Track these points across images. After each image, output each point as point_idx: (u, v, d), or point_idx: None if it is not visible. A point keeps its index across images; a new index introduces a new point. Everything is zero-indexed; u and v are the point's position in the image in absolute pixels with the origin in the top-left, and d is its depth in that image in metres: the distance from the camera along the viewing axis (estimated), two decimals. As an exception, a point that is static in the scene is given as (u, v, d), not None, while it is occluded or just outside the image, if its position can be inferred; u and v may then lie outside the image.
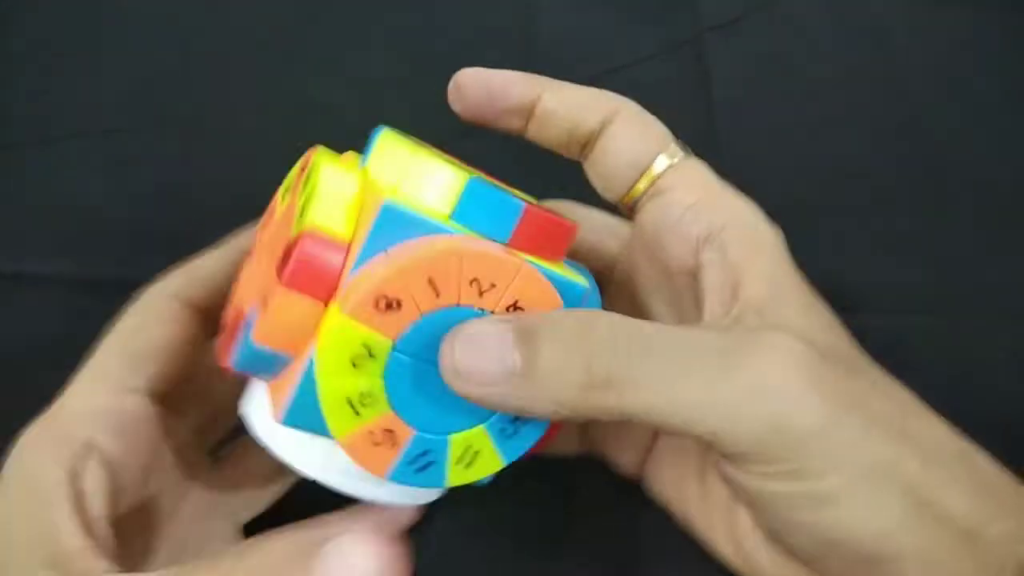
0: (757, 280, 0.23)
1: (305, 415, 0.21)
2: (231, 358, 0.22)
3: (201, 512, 0.26)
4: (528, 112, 0.25)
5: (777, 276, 0.23)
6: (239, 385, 0.25)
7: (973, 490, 0.20)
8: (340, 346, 0.20)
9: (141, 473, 0.24)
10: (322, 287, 0.20)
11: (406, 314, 0.20)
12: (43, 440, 0.23)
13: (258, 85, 0.37)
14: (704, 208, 0.24)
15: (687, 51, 0.37)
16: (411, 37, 0.38)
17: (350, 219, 0.21)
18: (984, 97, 0.36)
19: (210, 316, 0.26)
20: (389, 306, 0.20)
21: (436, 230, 0.21)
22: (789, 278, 0.23)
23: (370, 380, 0.20)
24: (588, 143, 0.25)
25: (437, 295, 0.20)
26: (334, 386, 0.20)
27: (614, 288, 0.28)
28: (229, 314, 0.24)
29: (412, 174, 0.21)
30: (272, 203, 0.25)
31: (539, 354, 0.20)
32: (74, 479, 0.22)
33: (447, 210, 0.21)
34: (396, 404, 0.21)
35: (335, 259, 0.20)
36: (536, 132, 0.26)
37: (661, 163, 0.25)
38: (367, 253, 0.20)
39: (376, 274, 0.20)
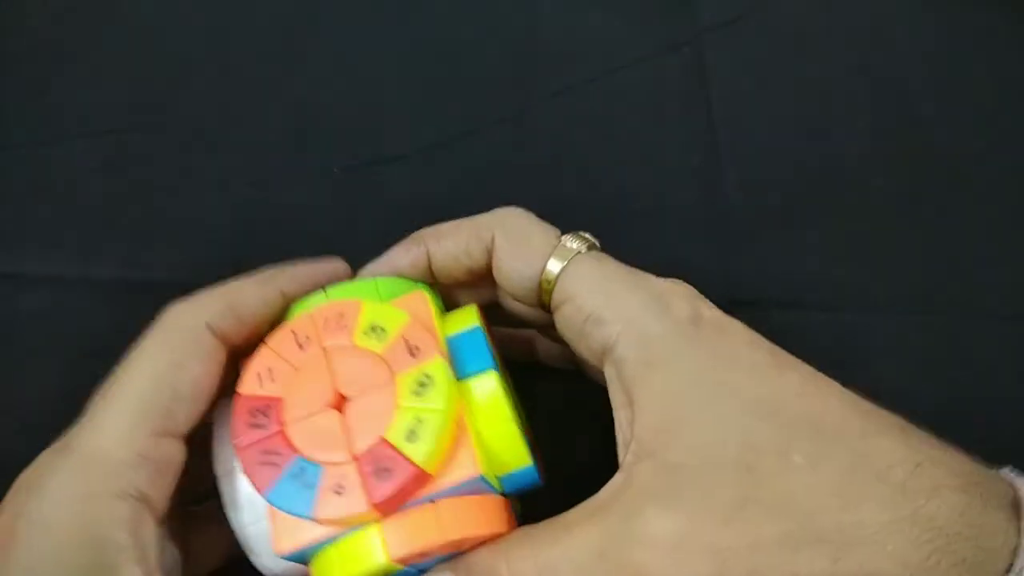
0: (649, 406, 0.22)
1: (301, 559, 0.22)
2: (267, 490, 0.21)
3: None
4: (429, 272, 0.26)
5: (665, 397, 0.22)
6: None
7: None
8: (369, 570, 0.22)
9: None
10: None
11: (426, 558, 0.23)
12: (91, 490, 0.22)
13: (258, 85, 0.37)
14: (599, 317, 0.23)
15: (687, 51, 0.37)
16: (411, 38, 0.38)
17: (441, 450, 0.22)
18: (984, 97, 0.36)
19: (236, 354, 0.25)
20: (423, 556, 0.22)
21: (488, 491, 0.23)
22: (682, 390, 0.22)
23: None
24: (489, 271, 0.26)
25: (455, 549, 0.23)
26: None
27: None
28: (252, 395, 0.23)
29: (499, 438, 0.23)
30: (343, 309, 0.24)
31: None
32: (138, 541, 0.22)
33: (499, 476, 0.23)
34: None
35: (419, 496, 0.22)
36: (445, 281, 0.26)
37: (554, 267, 0.24)
38: (431, 496, 0.22)
39: (428, 537, 0.22)
